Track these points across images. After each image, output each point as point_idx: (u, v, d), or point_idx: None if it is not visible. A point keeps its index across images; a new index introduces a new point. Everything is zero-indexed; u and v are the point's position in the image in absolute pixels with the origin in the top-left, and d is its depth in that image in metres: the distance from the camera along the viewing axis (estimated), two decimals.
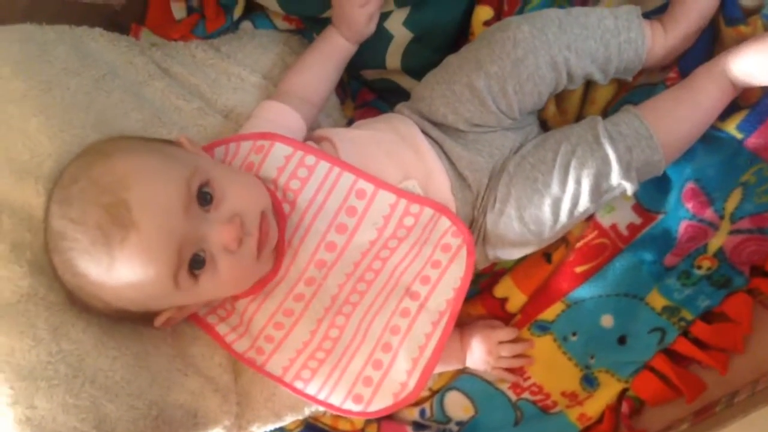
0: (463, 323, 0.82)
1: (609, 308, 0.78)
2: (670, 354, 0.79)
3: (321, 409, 0.76)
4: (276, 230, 0.68)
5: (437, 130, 0.76)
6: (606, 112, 0.80)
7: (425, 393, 0.86)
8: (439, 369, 0.81)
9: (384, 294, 0.70)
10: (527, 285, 0.81)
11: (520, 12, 0.80)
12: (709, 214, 0.73)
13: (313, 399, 0.70)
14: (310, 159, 0.73)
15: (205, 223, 0.62)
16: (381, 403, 0.68)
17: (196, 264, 0.62)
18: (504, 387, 0.84)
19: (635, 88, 0.78)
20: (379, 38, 0.86)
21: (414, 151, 0.75)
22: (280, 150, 0.73)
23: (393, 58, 0.89)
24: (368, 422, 0.86)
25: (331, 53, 0.85)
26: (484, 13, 0.83)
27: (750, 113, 0.69)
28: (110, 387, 0.63)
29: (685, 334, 0.78)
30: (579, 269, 0.77)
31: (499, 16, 0.83)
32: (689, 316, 0.77)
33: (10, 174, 0.65)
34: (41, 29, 0.74)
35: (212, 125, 0.81)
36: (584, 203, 0.70)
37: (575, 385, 0.81)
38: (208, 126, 0.81)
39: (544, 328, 0.81)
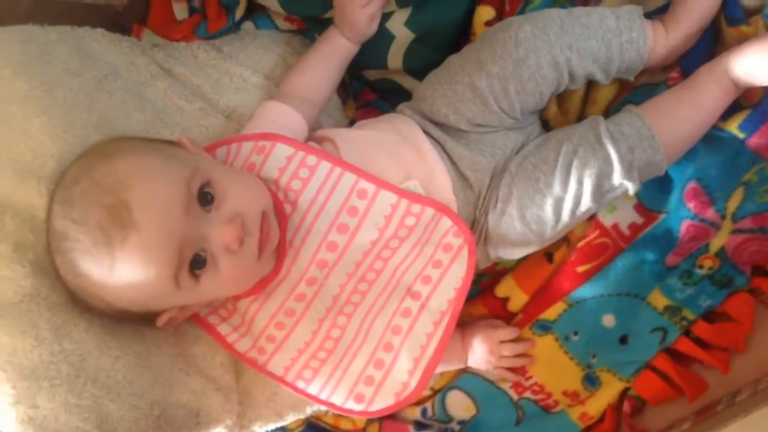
0: (464, 323, 0.82)
1: (610, 308, 0.78)
2: (672, 353, 0.79)
3: (323, 408, 0.76)
4: (277, 230, 0.68)
5: (439, 130, 0.76)
6: (608, 112, 0.80)
7: (427, 392, 0.87)
8: (440, 369, 0.81)
9: (385, 294, 0.70)
10: (529, 284, 0.81)
11: (522, 12, 0.80)
12: (710, 213, 0.73)
13: (315, 398, 0.70)
14: (312, 159, 0.73)
15: (206, 223, 0.62)
16: (382, 402, 0.68)
17: (197, 264, 0.62)
18: (505, 386, 0.84)
19: (637, 88, 0.78)
20: (381, 38, 0.86)
21: (416, 152, 0.75)
22: (282, 150, 0.73)
23: (394, 58, 0.89)
24: (370, 421, 0.86)
25: (332, 54, 0.85)
26: (485, 13, 0.83)
27: (752, 113, 0.69)
28: (112, 387, 0.63)
29: (686, 333, 0.78)
30: (580, 269, 0.77)
31: (500, 16, 0.83)
32: (691, 316, 0.77)
33: (12, 174, 0.65)
34: (43, 30, 0.74)
35: (214, 125, 0.81)
36: (586, 203, 0.70)
37: (577, 384, 0.81)
38: (210, 126, 0.81)
39: (545, 327, 0.81)
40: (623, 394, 0.81)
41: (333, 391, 0.69)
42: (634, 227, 0.76)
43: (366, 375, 0.69)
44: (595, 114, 0.77)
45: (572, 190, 0.69)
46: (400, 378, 0.68)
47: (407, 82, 0.93)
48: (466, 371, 0.85)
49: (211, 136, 0.80)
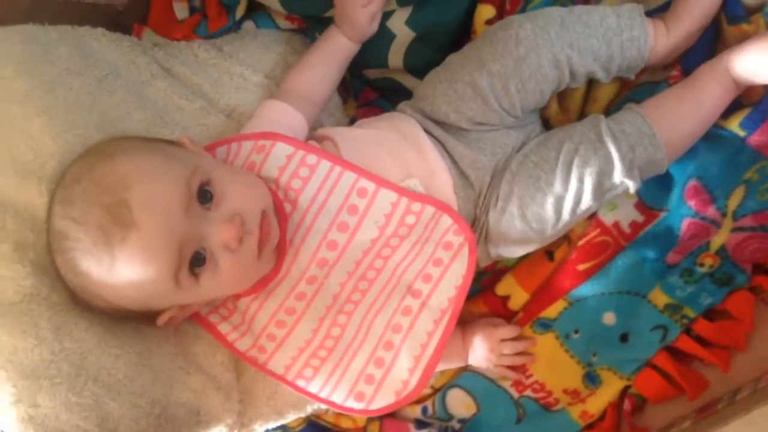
0: (465, 321, 0.82)
1: (611, 306, 0.78)
2: (673, 351, 0.79)
3: (323, 407, 0.76)
4: (278, 229, 0.68)
5: (439, 128, 0.76)
6: (608, 111, 0.80)
7: (427, 391, 0.86)
8: (441, 367, 0.81)
9: (386, 292, 0.70)
10: (529, 283, 0.81)
11: (522, 10, 0.80)
12: (711, 211, 0.73)
13: (316, 397, 0.70)
14: (312, 158, 0.73)
15: (206, 222, 0.62)
16: (383, 401, 0.69)
17: (197, 262, 0.62)
18: (506, 384, 0.84)
19: (638, 87, 0.78)
20: (382, 37, 0.86)
21: (416, 150, 0.75)
22: (282, 149, 0.73)
23: (395, 57, 0.89)
24: (370, 420, 0.86)
25: (333, 52, 0.85)
26: (486, 11, 0.83)
27: (753, 111, 0.69)
28: (113, 385, 0.63)
29: (687, 331, 0.78)
30: (581, 267, 0.77)
31: (501, 14, 0.83)
32: (691, 314, 0.78)
33: (13, 174, 0.65)
34: (44, 29, 0.74)
35: (214, 125, 0.81)
36: (587, 201, 0.70)
37: (577, 382, 0.82)
38: (211, 125, 0.81)
39: (546, 325, 0.81)
40: (624, 393, 0.81)
41: (333, 390, 0.69)
42: (634, 225, 0.76)
43: (366, 373, 0.69)
44: (595, 112, 0.77)
45: (573, 189, 0.69)
46: (400, 376, 0.68)
47: (408, 81, 0.92)
48: (466, 369, 0.85)
49: (212, 136, 0.80)
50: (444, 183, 0.74)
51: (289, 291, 0.71)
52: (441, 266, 0.70)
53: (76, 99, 0.71)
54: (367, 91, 0.99)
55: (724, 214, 0.73)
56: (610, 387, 0.81)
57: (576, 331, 0.80)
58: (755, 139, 0.69)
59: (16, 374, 0.59)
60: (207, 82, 0.84)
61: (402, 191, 0.72)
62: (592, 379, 0.81)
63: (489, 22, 0.83)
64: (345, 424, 0.87)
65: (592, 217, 0.77)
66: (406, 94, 0.89)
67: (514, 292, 0.82)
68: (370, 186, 0.72)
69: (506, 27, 0.71)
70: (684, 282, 0.77)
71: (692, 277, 0.77)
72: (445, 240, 0.71)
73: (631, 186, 0.69)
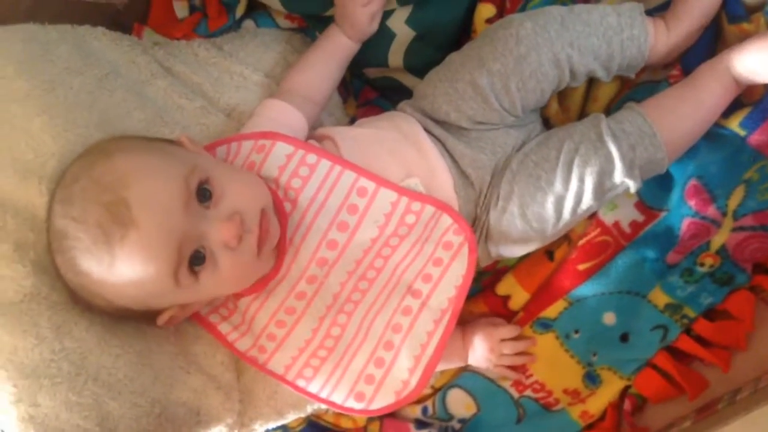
0: (465, 321, 0.82)
1: (611, 306, 0.78)
2: (673, 351, 0.79)
3: (323, 407, 0.76)
4: (278, 228, 0.68)
5: (440, 128, 0.76)
6: (609, 110, 0.80)
7: (427, 391, 0.86)
8: (441, 367, 0.81)
9: (386, 292, 0.70)
10: (530, 283, 0.81)
11: (523, 9, 0.80)
12: (711, 211, 0.73)
13: (316, 397, 0.70)
14: (312, 158, 0.73)
15: (205, 221, 0.62)
16: (383, 401, 0.68)
17: (196, 261, 0.62)
18: (506, 384, 0.84)
19: (638, 86, 0.78)
20: (382, 36, 0.86)
21: (416, 149, 0.75)
22: (282, 149, 0.73)
23: (395, 56, 0.89)
24: (370, 420, 0.86)
25: (333, 52, 0.85)
26: (486, 10, 0.83)
27: (753, 110, 0.69)
28: (113, 385, 0.63)
29: (687, 331, 0.78)
30: (581, 267, 0.77)
31: (501, 13, 0.83)
32: (692, 314, 0.78)
33: (13, 174, 0.65)
34: (44, 29, 0.74)
35: (215, 124, 0.81)
36: (587, 201, 0.70)
37: (577, 382, 0.82)
38: (211, 125, 0.81)
39: (546, 325, 0.81)
40: (624, 393, 0.81)
41: (333, 390, 0.69)
42: (635, 225, 0.76)
43: (366, 373, 0.69)
44: (596, 111, 0.77)
45: (573, 188, 0.69)
46: (400, 376, 0.68)
47: (408, 80, 0.92)
48: (466, 369, 0.85)
49: (212, 135, 0.80)
50: (444, 182, 0.74)
51: (289, 290, 0.71)
52: (441, 266, 0.70)
53: (77, 98, 0.71)
54: (368, 90, 0.99)
55: (724, 214, 0.73)
56: (611, 387, 0.81)
57: (576, 331, 0.80)
58: (755, 138, 0.69)
59: (17, 374, 0.59)
60: (207, 81, 0.84)
61: (402, 191, 0.72)
62: (592, 379, 0.81)
63: (489, 21, 0.83)
64: (345, 424, 0.87)
65: (592, 216, 0.77)
66: (406, 93, 0.89)
67: (515, 291, 0.82)
68: (370, 185, 0.72)
69: (506, 26, 0.71)
70: (684, 282, 0.77)
71: (692, 277, 0.77)
72: (445, 239, 0.71)
73: (632, 186, 0.69)
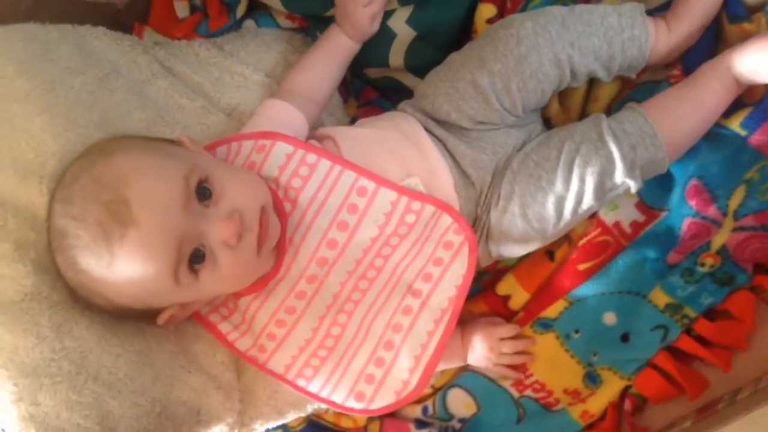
0: (465, 321, 0.82)
1: (612, 306, 0.78)
2: (673, 351, 0.79)
3: (323, 406, 0.76)
4: (278, 227, 0.68)
5: (440, 127, 0.76)
6: (609, 110, 0.80)
7: (428, 390, 0.87)
8: (440, 367, 0.80)
9: (386, 291, 0.70)
10: (530, 282, 0.81)
11: (523, 9, 0.80)
12: (712, 211, 0.73)
13: (316, 397, 0.70)
14: (312, 157, 0.73)
15: (205, 219, 0.62)
16: (383, 400, 0.68)
17: (196, 259, 0.62)
18: (506, 384, 0.84)
19: (639, 86, 0.78)
20: (382, 36, 0.86)
21: (417, 149, 0.75)
22: (282, 148, 0.73)
23: (396, 56, 0.89)
24: (371, 419, 0.86)
25: (334, 52, 0.85)
26: (487, 10, 0.83)
27: (754, 110, 0.69)
28: (113, 384, 0.63)
29: (688, 331, 0.78)
30: (582, 267, 0.77)
31: (502, 13, 0.83)
32: (692, 314, 0.78)
33: (14, 173, 0.65)
34: (44, 28, 0.74)
35: (215, 124, 0.81)
36: (588, 201, 0.70)
37: (578, 382, 0.82)
38: (211, 124, 0.81)
39: (546, 325, 0.81)
40: (624, 392, 0.81)
41: (334, 390, 0.69)
42: (635, 225, 0.76)
43: (366, 373, 0.69)
44: (596, 112, 0.77)
45: (574, 188, 0.69)
46: (400, 376, 0.68)
47: (409, 80, 0.92)
48: (467, 369, 0.85)
49: (212, 135, 0.80)
50: (445, 182, 0.74)
51: (289, 290, 0.71)
52: (441, 265, 0.70)
53: (77, 98, 0.71)
54: (368, 90, 0.99)
55: (725, 214, 0.73)
56: (611, 387, 0.81)
57: (576, 331, 0.80)
58: (756, 138, 0.69)
59: (17, 373, 0.59)
60: (208, 81, 0.84)
61: (402, 190, 0.72)
62: (592, 379, 0.81)
63: (490, 21, 0.83)
64: (345, 423, 0.87)
65: (592, 216, 0.77)
66: (406, 93, 0.89)
67: (515, 291, 0.82)
68: (369, 185, 0.72)
69: (507, 26, 0.72)
70: (685, 282, 0.77)
71: (693, 277, 0.77)
72: (445, 239, 0.71)
73: (633, 186, 0.69)
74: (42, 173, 0.65)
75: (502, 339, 0.80)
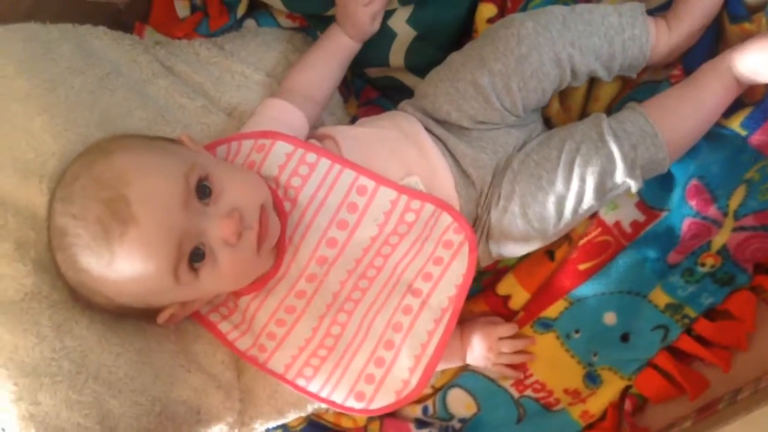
0: (464, 320, 0.82)
1: (612, 306, 0.78)
2: (674, 351, 0.79)
3: (323, 406, 0.76)
4: (278, 225, 0.68)
5: (441, 127, 0.76)
6: (610, 110, 0.80)
7: (428, 390, 0.86)
8: (439, 367, 0.80)
9: (386, 291, 0.70)
10: (530, 282, 0.81)
11: (524, 9, 0.80)
12: (712, 211, 0.73)
13: (316, 396, 0.70)
14: (311, 156, 0.73)
15: (204, 218, 0.62)
16: (383, 400, 0.68)
17: (196, 258, 0.62)
18: (506, 384, 0.84)
19: (639, 86, 0.78)
20: (383, 36, 0.86)
21: (417, 149, 0.75)
22: (281, 148, 0.73)
23: (396, 55, 0.89)
24: (371, 419, 0.86)
25: (334, 51, 0.85)
26: (487, 10, 0.83)
27: (754, 110, 0.69)
28: (113, 383, 0.63)
29: (688, 331, 0.78)
30: (582, 267, 0.77)
31: (502, 13, 0.83)
32: (692, 314, 0.77)
33: (14, 173, 0.65)
34: (45, 28, 0.74)
35: (216, 123, 0.81)
36: (588, 201, 0.70)
37: (578, 382, 0.81)
38: (212, 124, 0.81)
39: (546, 325, 0.81)
40: (624, 393, 0.81)
41: (334, 389, 0.69)
42: (635, 225, 0.76)
43: (366, 373, 0.69)
44: (597, 111, 0.77)
45: (575, 188, 0.69)
46: (400, 376, 0.68)
47: (409, 79, 0.92)
48: (467, 369, 0.85)
49: (213, 134, 0.80)
50: (445, 181, 0.74)
51: (289, 289, 0.71)
52: (441, 265, 0.70)
53: (78, 97, 0.71)
54: (369, 89, 0.99)
55: (725, 214, 0.73)
56: (611, 387, 0.81)
57: (577, 331, 0.80)
58: (757, 138, 0.69)
59: (17, 372, 0.59)
60: (208, 80, 0.84)
61: (401, 189, 0.72)
62: (592, 379, 0.81)
63: (490, 21, 0.83)
64: (345, 423, 0.87)
65: (593, 216, 0.77)
66: (407, 92, 0.89)
67: (515, 291, 0.82)
68: (369, 184, 0.72)
69: (508, 25, 0.72)
70: (685, 282, 0.77)
71: (693, 277, 0.76)
72: (445, 238, 0.71)
73: (633, 186, 0.69)
74: (42, 173, 0.65)
75: (501, 338, 0.80)
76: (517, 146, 0.77)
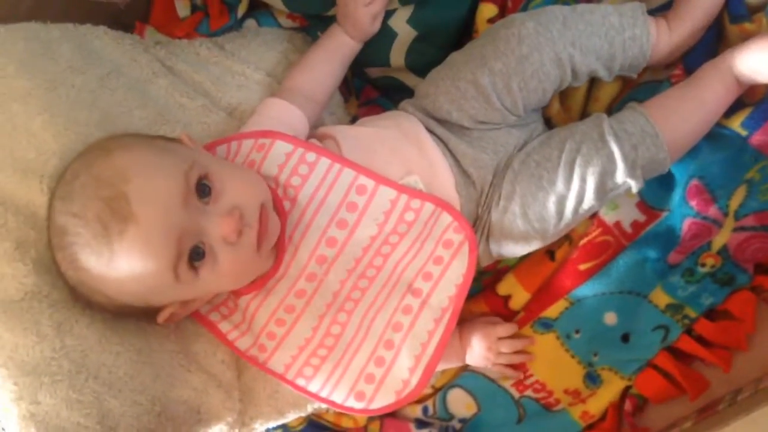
0: (464, 320, 0.82)
1: (612, 306, 0.78)
2: (674, 352, 0.79)
3: (324, 406, 0.76)
4: (278, 224, 0.68)
5: (441, 127, 0.76)
6: (610, 110, 0.80)
7: (428, 390, 0.86)
8: (439, 367, 0.80)
9: (386, 290, 0.70)
10: (530, 282, 0.81)
11: (525, 9, 0.80)
12: (713, 211, 0.73)
13: (316, 396, 0.70)
14: (311, 156, 0.73)
15: (204, 216, 0.62)
16: (383, 400, 0.68)
17: (196, 256, 0.62)
18: (507, 384, 0.84)
19: (640, 86, 0.78)
20: (383, 36, 0.86)
21: (418, 149, 0.75)
22: (281, 147, 0.73)
23: (397, 55, 0.89)
24: (371, 419, 0.86)
25: (335, 51, 0.85)
26: (488, 10, 0.83)
27: (754, 110, 0.69)
28: (113, 382, 0.63)
29: (688, 331, 0.78)
30: (582, 267, 0.77)
31: (503, 13, 0.83)
32: (693, 314, 0.77)
33: (14, 172, 0.65)
34: (46, 27, 0.74)
35: (216, 123, 0.81)
36: (589, 201, 0.70)
37: (578, 382, 0.81)
38: (212, 123, 0.81)
39: (547, 325, 0.81)
40: (625, 393, 0.81)
41: (334, 389, 0.69)
42: (636, 225, 0.76)
43: (367, 372, 0.69)
44: (597, 111, 0.77)
45: (575, 188, 0.69)
46: (401, 376, 0.68)
47: (410, 79, 0.92)
48: (467, 369, 0.85)
49: (213, 134, 0.80)
50: (446, 181, 0.74)
51: (289, 288, 0.71)
52: (441, 264, 0.70)
53: (78, 97, 0.71)
54: (369, 89, 0.99)
55: (725, 214, 0.73)
56: (611, 387, 0.81)
57: (577, 331, 0.80)
58: (757, 138, 0.69)
59: (17, 372, 0.59)
60: (209, 80, 0.84)
61: (401, 188, 0.72)
62: (593, 379, 0.81)
63: (491, 21, 0.83)
64: (345, 423, 0.87)
65: (593, 216, 0.77)
66: (407, 92, 0.89)
67: (515, 291, 0.82)
68: (369, 183, 0.72)
69: (508, 25, 0.72)
70: (685, 282, 0.77)
71: (693, 277, 0.76)
72: (445, 238, 0.71)
73: (634, 186, 0.69)
74: (43, 172, 0.65)
75: (501, 338, 0.80)
76: (517, 146, 0.77)
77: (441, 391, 0.86)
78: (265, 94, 0.85)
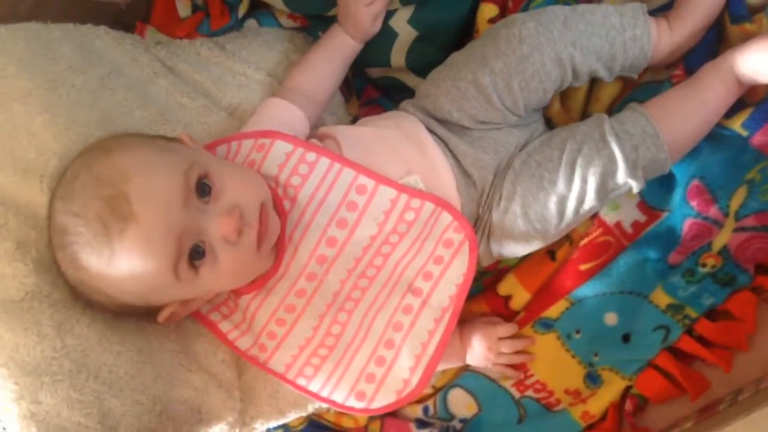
0: (463, 320, 0.82)
1: (613, 306, 0.78)
2: (674, 352, 0.79)
3: (324, 406, 0.76)
4: (278, 223, 0.68)
5: (442, 127, 0.76)
6: (611, 110, 0.80)
7: (428, 390, 0.86)
8: (439, 367, 0.80)
9: (386, 290, 0.70)
10: (531, 282, 0.81)
11: (525, 9, 0.80)
12: (713, 211, 0.73)
13: (316, 396, 0.70)
14: (311, 155, 0.73)
15: (204, 215, 0.62)
16: (384, 400, 0.68)
17: (196, 255, 0.62)
18: (507, 385, 0.84)
19: (641, 86, 0.78)
20: (384, 36, 0.86)
21: (418, 149, 0.75)
22: (281, 147, 0.73)
23: (398, 56, 0.89)
24: (371, 419, 0.86)
25: (336, 51, 0.85)
26: (488, 10, 0.83)
27: (755, 111, 0.69)
28: (114, 382, 0.63)
29: (689, 332, 0.78)
30: (583, 267, 0.77)
31: (504, 13, 0.83)
32: (693, 314, 0.77)
33: (15, 172, 0.65)
34: (46, 27, 0.74)
35: (217, 123, 0.81)
36: (590, 201, 0.70)
37: (579, 382, 0.81)
38: (213, 123, 0.81)
39: (547, 325, 0.81)
40: (625, 393, 0.81)
41: (334, 389, 0.69)
42: (637, 225, 0.76)
43: (367, 372, 0.69)
44: (598, 112, 0.77)
45: (576, 189, 0.69)
46: (401, 375, 0.68)
47: (410, 79, 0.93)
48: (468, 369, 0.85)
49: (214, 134, 0.80)
50: (446, 181, 0.74)
51: (289, 288, 0.71)
52: (442, 264, 0.70)
53: (79, 97, 0.71)
54: (370, 89, 0.99)
55: (726, 215, 0.73)
56: (612, 387, 0.80)
57: (577, 331, 0.80)
58: (758, 139, 0.69)
59: (18, 371, 0.59)
60: (209, 80, 0.84)
61: (401, 188, 0.72)
62: (593, 380, 0.81)
63: (491, 21, 0.83)
64: (346, 423, 0.87)
65: (594, 217, 0.77)
66: (408, 92, 0.89)
67: (516, 291, 0.82)
68: (369, 183, 0.72)
69: (509, 25, 0.72)
70: (686, 282, 0.77)
71: (694, 277, 0.76)
72: (445, 237, 0.71)
73: (635, 186, 0.69)
74: (43, 172, 0.65)
75: (501, 338, 0.80)
76: (518, 146, 0.77)
77: (441, 391, 0.86)
78: (265, 94, 0.85)
